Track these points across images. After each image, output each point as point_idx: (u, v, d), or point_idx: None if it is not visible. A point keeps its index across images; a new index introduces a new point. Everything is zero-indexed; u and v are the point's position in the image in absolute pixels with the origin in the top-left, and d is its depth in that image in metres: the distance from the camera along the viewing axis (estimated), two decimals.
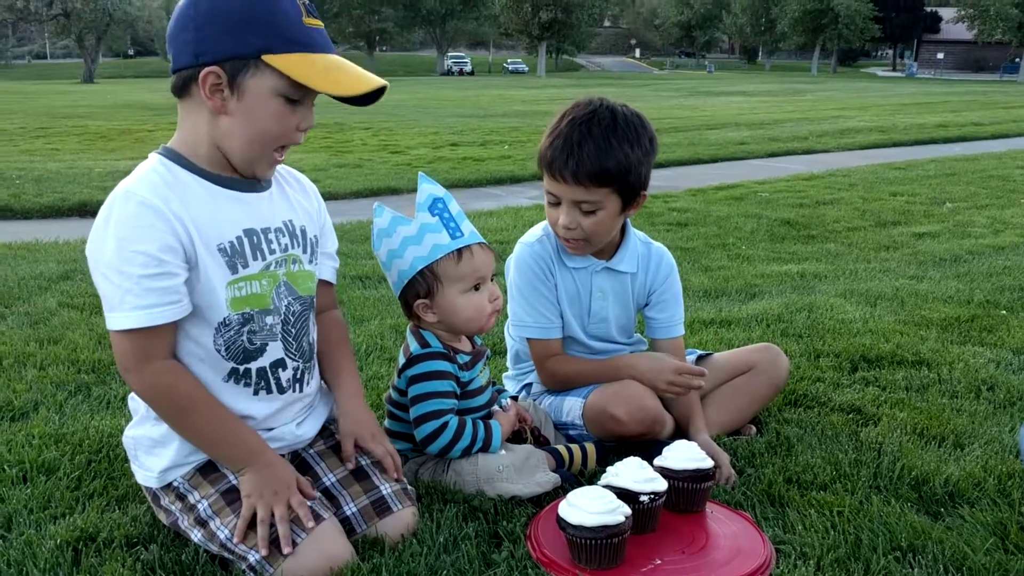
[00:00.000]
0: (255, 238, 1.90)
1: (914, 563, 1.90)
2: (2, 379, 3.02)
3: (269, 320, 1.93)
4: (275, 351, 1.96)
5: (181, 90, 1.83)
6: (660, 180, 8.58)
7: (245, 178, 1.91)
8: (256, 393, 1.96)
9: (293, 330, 1.99)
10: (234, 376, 1.92)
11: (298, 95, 1.80)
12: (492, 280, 2.24)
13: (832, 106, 23.00)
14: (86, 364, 3.18)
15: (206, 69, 1.75)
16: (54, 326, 3.68)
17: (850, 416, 2.77)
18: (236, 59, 1.74)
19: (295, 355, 2.01)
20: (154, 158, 1.87)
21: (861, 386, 3.05)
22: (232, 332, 1.88)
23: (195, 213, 1.81)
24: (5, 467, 2.32)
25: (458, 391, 2.22)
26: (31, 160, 10.46)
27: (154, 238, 1.74)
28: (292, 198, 2.04)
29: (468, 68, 73.34)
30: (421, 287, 2.17)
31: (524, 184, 9.28)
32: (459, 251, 2.15)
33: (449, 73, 70.49)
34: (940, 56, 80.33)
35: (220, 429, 1.87)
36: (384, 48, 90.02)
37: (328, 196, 8.16)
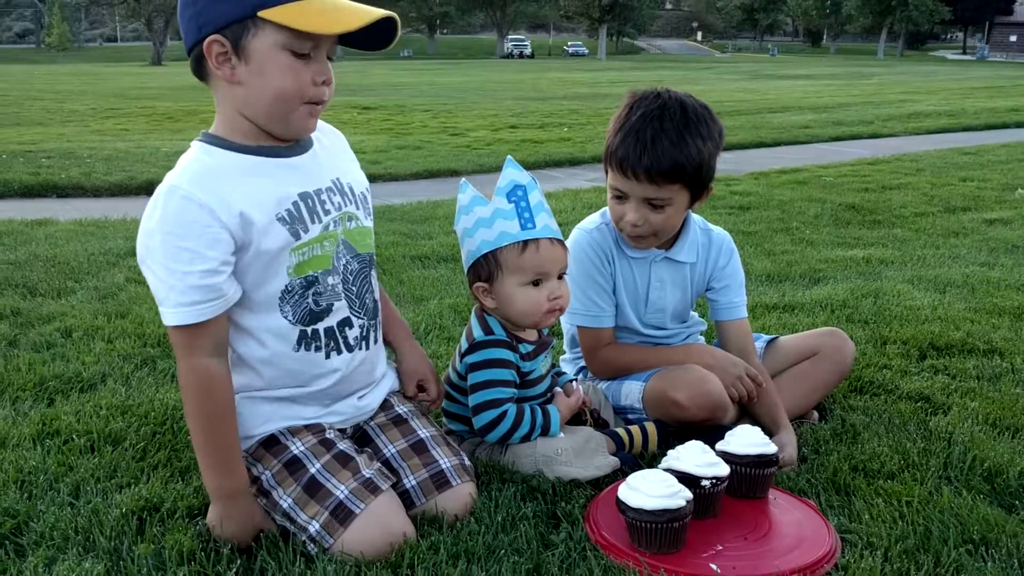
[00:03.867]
0: (310, 201, 1.90)
1: (987, 556, 1.84)
2: (72, 351, 3.10)
3: (331, 280, 1.94)
4: (341, 310, 1.97)
5: (200, 71, 1.83)
6: (722, 164, 8.36)
7: (286, 143, 1.91)
8: (328, 356, 1.97)
9: (355, 288, 2.00)
10: (304, 341, 1.93)
11: (304, 47, 1.76)
12: (561, 278, 2.19)
13: (899, 90, 22.44)
14: (152, 338, 3.24)
15: (209, 39, 1.75)
16: (121, 300, 3.76)
17: (918, 404, 2.69)
18: (235, 23, 1.74)
19: (359, 313, 2.02)
20: (195, 146, 1.88)
21: (930, 374, 2.97)
22: (296, 297, 1.90)
23: (246, 191, 1.81)
24: (74, 436, 2.37)
25: (518, 380, 2.20)
26: (101, 140, 10.69)
27: (199, 233, 1.75)
28: (334, 154, 2.04)
29: (528, 51, 73.03)
30: (483, 271, 2.15)
31: (583, 166, 9.22)
32: (525, 242, 2.11)
33: (509, 56, 70.32)
34: (1013, 39, 77.78)
35: (224, 447, 1.86)
36: (445, 32, 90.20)
37: (389, 177, 8.31)
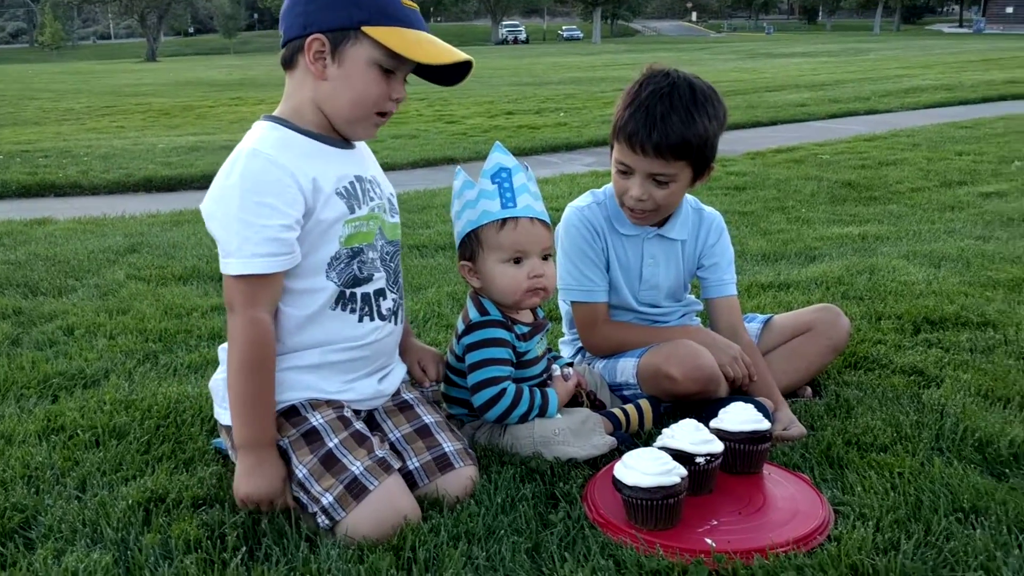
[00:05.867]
0: (364, 184, 2.07)
1: (976, 524, 1.87)
2: (74, 348, 3.13)
3: (372, 255, 2.07)
4: (379, 281, 2.09)
5: (289, 61, 2.00)
6: (718, 144, 8.45)
7: (343, 139, 2.08)
8: (360, 320, 2.06)
9: (391, 266, 2.13)
10: (341, 301, 2.02)
11: (392, 65, 1.95)
12: (547, 259, 2.23)
13: (895, 65, 22.40)
14: (153, 333, 3.28)
15: (311, 36, 1.92)
16: (122, 297, 3.79)
17: (912, 378, 2.73)
18: (339, 30, 1.92)
19: (393, 288, 2.14)
20: (264, 123, 2.02)
21: (924, 348, 3.00)
22: (343, 264, 2.01)
23: (314, 164, 1.97)
24: (79, 432, 2.40)
25: (515, 360, 2.23)
26: (98, 138, 10.72)
27: (280, 191, 1.89)
28: (371, 158, 2.21)
29: (523, 36, 72.85)
30: (467, 250, 2.22)
31: (579, 151, 9.24)
32: (504, 220, 2.16)
33: (504, 42, 70.17)
34: (1009, 10, 77.36)
35: (264, 401, 1.94)
36: (439, 19, 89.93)
37: (385, 167, 8.23)
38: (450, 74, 2.05)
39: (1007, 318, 3.27)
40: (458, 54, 1.98)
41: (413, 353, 2.33)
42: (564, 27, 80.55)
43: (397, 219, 2.21)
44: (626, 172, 2.41)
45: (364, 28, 1.91)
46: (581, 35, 74.31)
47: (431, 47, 1.96)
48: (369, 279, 2.07)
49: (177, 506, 2.00)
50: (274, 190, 1.89)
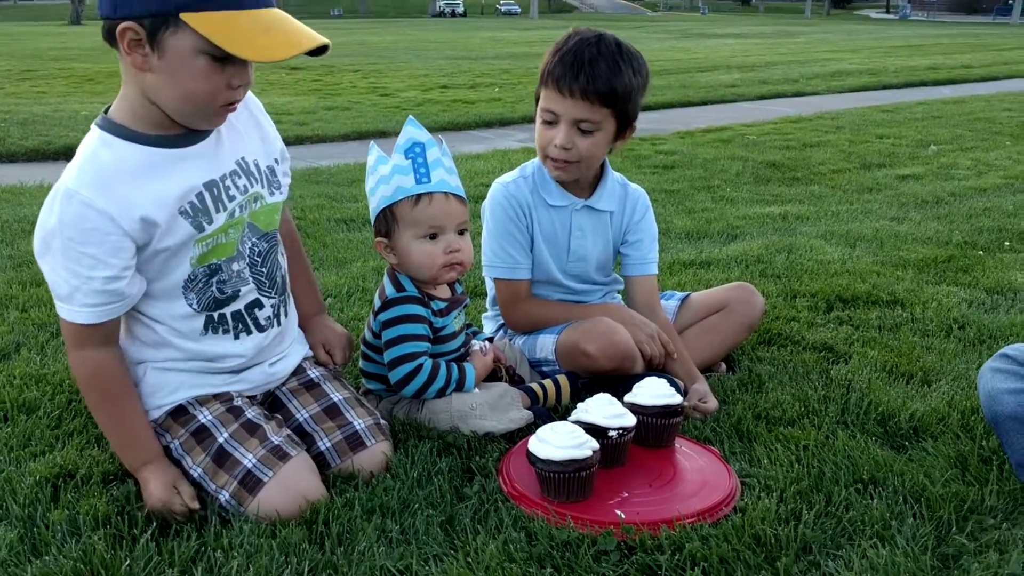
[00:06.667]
0: (215, 189, 1.86)
1: (874, 494, 1.94)
2: None
3: (236, 267, 1.94)
4: (249, 294, 1.98)
5: (110, 40, 1.70)
6: (649, 123, 8.54)
7: (190, 130, 1.83)
8: (237, 337, 1.99)
9: (264, 269, 2.00)
10: (211, 326, 1.94)
11: (224, 53, 1.65)
12: (463, 234, 2.22)
13: (824, 48, 22.81)
14: None
15: (122, 24, 1.64)
16: (36, 269, 3.64)
17: (822, 354, 2.81)
18: (155, 15, 1.62)
19: (270, 292, 2.03)
20: (94, 134, 1.80)
21: (835, 325, 3.09)
22: (200, 285, 1.90)
23: (148, 188, 1.76)
24: None
25: (431, 336, 2.24)
26: (17, 103, 10.34)
27: (100, 241, 1.72)
28: (239, 129, 1.95)
29: (460, 9, 72.21)
30: (382, 226, 2.21)
31: (513, 127, 9.23)
32: (418, 196, 2.15)
33: (441, 15, 69.45)
34: None
35: (128, 425, 1.90)
36: None
37: (317, 139, 8.22)
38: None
39: (915, 296, 3.38)
40: (305, 42, 1.68)
41: (319, 333, 2.28)
42: (502, 1, 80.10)
43: (279, 196, 2.02)
44: (551, 122, 2.43)
45: (183, 15, 1.60)
46: (519, 10, 74.01)
47: (265, 39, 1.65)
48: (235, 296, 1.94)
49: (87, 482, 1.97)
50: (94, 239, 1.71)
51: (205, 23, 1.62)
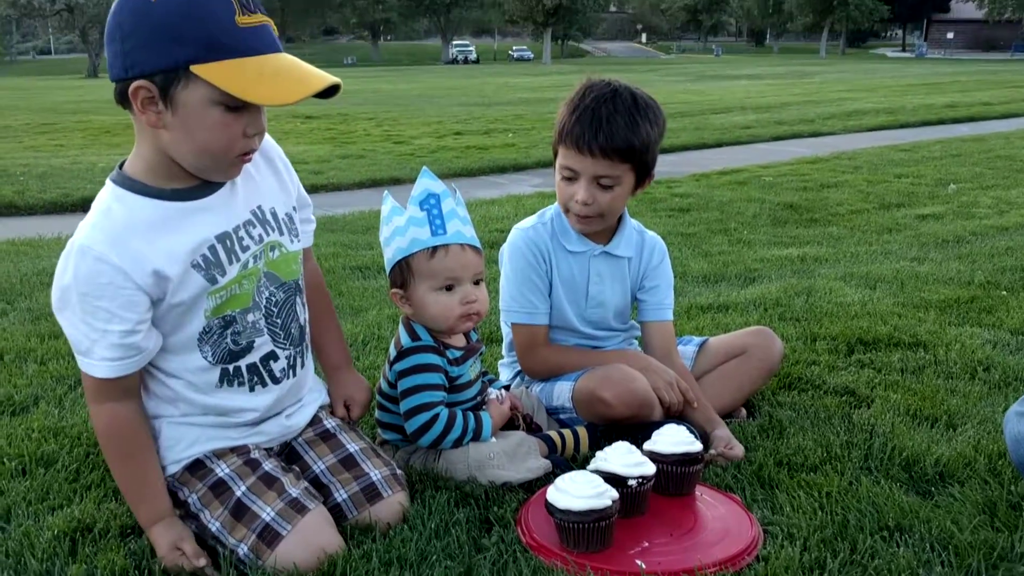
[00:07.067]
0: (228, 241, 1.87)
1: (900, 542, 1.90)
2: (3, 374, 3.06)
3: (251, 318, 1.94)
4: (264, 345, 1.98)
5: (123, 101, 1.73)
6: (664, 165, 8.51)
7: (205, 181, 1.85)
8: (252, 390, 1.99)
9: (279, 320, 2.00)
10: (226, 379, 1.95)
11: (238, 101, 1.67)
12: (479, 284, 2.22)
13: (840, 88, 22.90)
14: None
15: (135, 84, 1.66)
16: (55, 322, 3.64)
17: (844, 398, 2.78)
18: (166, 72, 1.65)
19: (285, 344, 2.02)
20: (108, 189, 1.82)
21: (856, 368, 3.06)
22: (215, 337, 1.90)
23: (160, 245, 1.78)
24: (4, 460, 2.35)
25: (447, 385, 2.23)
26: (36, 156, 10.51)
27: (113, 295, 1.74)
28: (255, 178, 1.96)
29: (473, 56, 73.09)
30: (398, 278, 2.20)
31: (527, 172, 9.29)
32: (434, 248, 2.15)
33: (454, 61, 70.36)
34: (950, 36, 79.76)
35: (144, 482, 1.90)
36: (389, 37, 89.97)
37: (332, 187, 8.29)
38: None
39: (937, 339, 3.34)
40: (313, 84, 1.69)
41: (343, 388, 2.28)
42: (514, 47, 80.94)
43: (298, 245, 2.04)
44: (571, 178, 2.44)
45: (193, 68, 1.62)
46: (532, 56, 74.78)
47: (276, 83, 1.67)
48: (249, 348, 1.94)
49: (105, 536, 1.97)
50: (108, 294, 1.73)
51: (216, 73, 1.64)
